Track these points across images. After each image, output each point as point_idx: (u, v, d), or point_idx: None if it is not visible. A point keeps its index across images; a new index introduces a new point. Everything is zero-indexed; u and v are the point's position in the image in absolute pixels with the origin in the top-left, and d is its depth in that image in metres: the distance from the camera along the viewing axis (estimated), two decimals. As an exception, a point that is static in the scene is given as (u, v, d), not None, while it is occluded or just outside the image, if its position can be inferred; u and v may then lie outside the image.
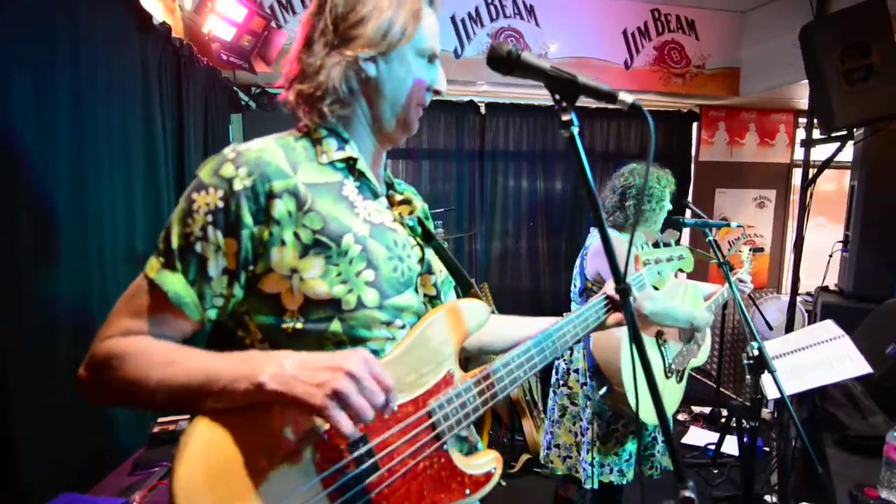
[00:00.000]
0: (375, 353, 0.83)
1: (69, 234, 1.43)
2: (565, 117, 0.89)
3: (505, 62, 0.90)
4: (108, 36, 1.61)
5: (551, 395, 2.31)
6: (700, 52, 3.93)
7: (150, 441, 1.61)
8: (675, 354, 2.17)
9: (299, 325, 0.80)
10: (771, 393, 1.91)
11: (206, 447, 0.68)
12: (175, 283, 0.75)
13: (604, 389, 1.98)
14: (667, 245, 1.37)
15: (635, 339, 0.90)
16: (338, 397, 0.67)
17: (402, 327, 0.88)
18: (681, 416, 3.94)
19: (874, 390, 1.98)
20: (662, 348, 2.14)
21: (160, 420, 1.66)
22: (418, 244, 0.97)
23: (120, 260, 1.68)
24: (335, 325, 0.81)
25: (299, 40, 0.89)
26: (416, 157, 3.94)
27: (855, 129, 2.95)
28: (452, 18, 3.51)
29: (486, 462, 0.92)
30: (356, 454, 0.77)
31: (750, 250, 2.61)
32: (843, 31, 2.74)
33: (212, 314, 0.79)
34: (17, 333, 1.26)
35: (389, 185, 1.01)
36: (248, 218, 0.76)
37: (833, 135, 2.94)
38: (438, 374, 0.87)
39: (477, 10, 3.53)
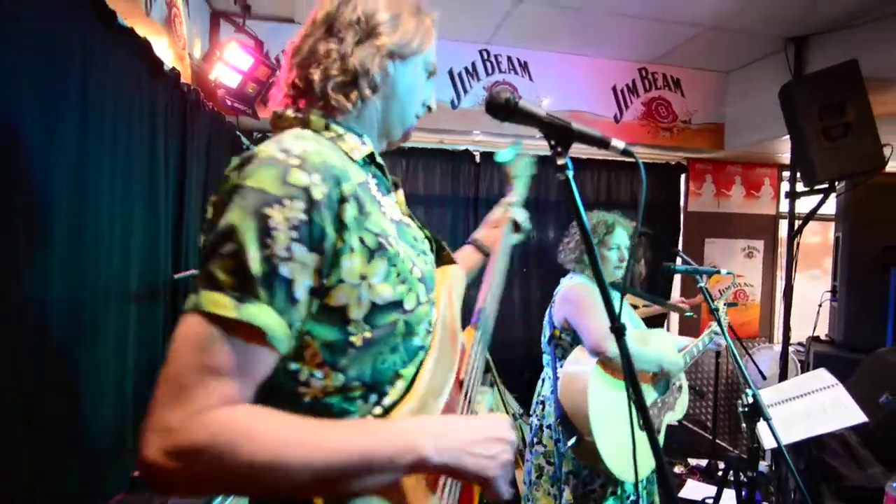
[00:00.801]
0: (421, 347, 0.81)
1: (63, 266, 1.43)
2: (560, 161, 0.94)
3: (503, 109, 0.95)
4: (119, 79, 1.67)
5: (527, 454, 2.22)
6: (686, 108, 4.11)
7: (130, 485, 1.55)
8: (650, 404, 2.14)
9: (368, 335, 0.73)
10: (767, 442, 1.89)
11: None
12: (266, 317, 0.63)
13: (573, 440, 1.91)
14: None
15: (631, 380, 0.91)
16: (505, 468, 0.74)
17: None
18: (677, 469, 3.84)
19: (868, 440, 1.97)
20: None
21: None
22: (426, 237, 0.97)
23: (113, 296, 1.67)
24: (400, 327, 0.77)
25: (321, 28, 0.85)
26: (412, 204, 3.93)
27: (836, 183, 3.06)
28: (450, 72, 3.67)
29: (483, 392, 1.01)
30: None
31: (725, 304, 2.56)
32: (820, 90, 2.90)
33: (295, 342, 0.69)
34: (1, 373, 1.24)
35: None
36: (330, 229, 0.69)
37: (815, 188, 3.05)
38: (458, 349, 0.94)
39: (473, 64, 3.70)
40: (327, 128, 0.83)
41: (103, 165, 1.59)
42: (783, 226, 4.41)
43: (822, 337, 3.48)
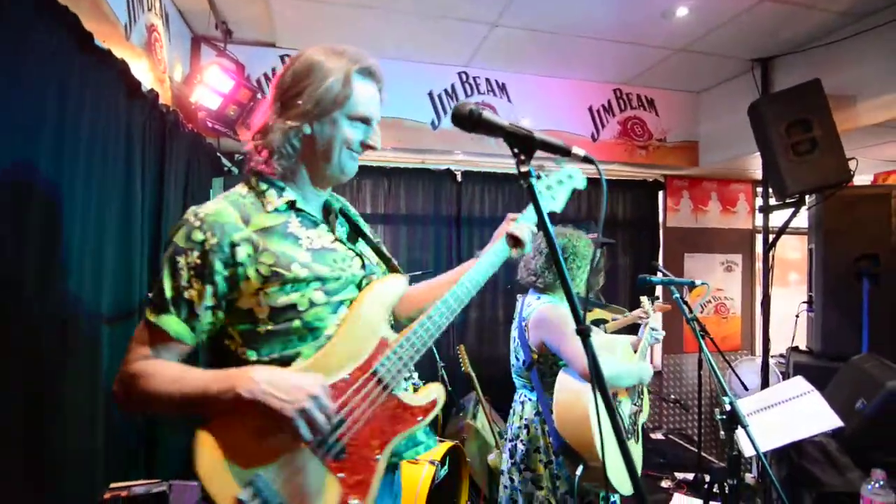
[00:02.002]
0: (329, 337, 1.07)
1: (34, 286, 1.41)
2: (523, 169, 0.97)
3: (467, 120, 0.98)
4: (96, 99, 1.68)
5: (508, 483, 2.09)
6: (661, 126, 4.22)
7: (100, 510, 1.50)
8: (629, 413, 2.15)
9: (270, 327, 1.05)
10: (747, 450, 1.89)
11: (212, 442, 0.97)
12: (173, 324, 1.02)
13: (580, 469, 1.84)
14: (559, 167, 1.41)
15: (598, 380, 0.92)
16: (303, 413, 0.95)
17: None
18: (664, 484, 3.82)
19: (847, 446, 1.99)
20: (618, 409, 2.08)
21: (112, 486, 1.56)
22: (357, 254, 1.18)
23: (84, 317, 1.65)
24: (296, 323, 1.05)
25: (267, 101, 1.14)
26: (395, 223, 4.03)
27: (807, 196, 3.15)
28: (430, 94, 3.74)
29: (429, 392, 1.14)
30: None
31: (650, 300, 2.66)
32: (786, 108, 3.01)
33: (204, 337, 1.07)
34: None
35: (326, 208, 1.22)
36: (219, 266, 1.02)
37: (787, 201, 3.13)
38: (375, 341, 1.10)
39: (453, 86, 3.78)
40: (257, 185, 1.12)
41: (76, 184, 1.58)
42: (760, 240, 4.51)
43: (802, 347, 3.53)
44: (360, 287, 1.15)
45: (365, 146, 1.16)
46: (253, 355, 1.05)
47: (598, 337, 2.20)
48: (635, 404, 2.19)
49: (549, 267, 2.13)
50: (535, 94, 3.95)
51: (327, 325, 1.07)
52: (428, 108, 3.73)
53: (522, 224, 1.32)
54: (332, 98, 1.08)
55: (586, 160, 0.96)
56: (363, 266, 1.17)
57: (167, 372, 1.00)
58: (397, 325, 1.20)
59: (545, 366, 2.07)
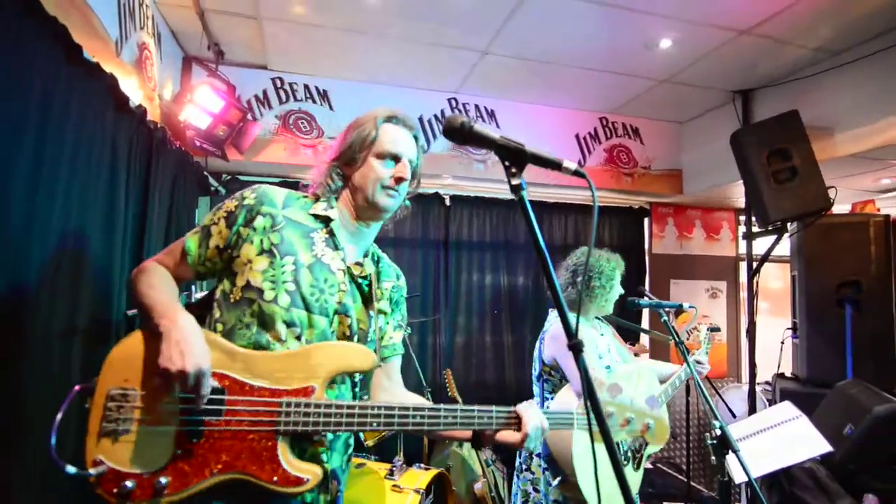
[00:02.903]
0: (269, 342, 1.15)
1: (4, 300, 1.36)
2: (515, 182, 0.97)
3: (459, 132, 0.98)
4: (82, 111, 1.66)
5: (515, 479, 2.23)
6: (646, 154, 4.30)
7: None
8: (632, 439, 2.13)
9: (238, 296, 1.17)
10: (738, 476, 1.87)
11: (131, 345, 1.08)
12: (191, 243, 1.22)
13: (557, 480, 1.90)
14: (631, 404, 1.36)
15: (591, 397, 0.90)
16: (162, 373, 1.01)
17: (298, 338, 1.17)
18: (654, 515, 3.74)
19: (838, 472, 1.97)
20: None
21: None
22: (345, 291, 1.25)
23: (57, 332, 1.59)
24: (254, 307, 1.16)
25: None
26: (383, 246, 3.89)
27: (788, 224, 3.21)
28: (420, 119, 3.78)
29: (306, 469, 1.07)
30: (214, 395, 1.06)
31: (708, 329, 2.66)
32: (766, 137, 3.09)
33: (201, 269, 1.23)
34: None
35: (369, 256, 1.36)
36: (241, 220, 1.20)
37: (769, 227, 3.19)
38: (303, 384, 1.10)
39: (442, 112, 3.83)
40: (318, 199, 1.30)
41: (56, 193, 1.55)
42: (743, 267, 4.56)
43: (787, 374, 3.54)
44: (330, 323, 1.21)
45: (396, 180, 1.27)
46: (216, 313, 1.19)
47: (624, 367, 2.21)
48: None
49: (573, 283, 2.21)
50: (523, 121, 4.01)
51: (274, 331, 1.15)
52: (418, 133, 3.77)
53: (536, 412, 1.23)
54: (362, 140, 1.27)
55: (577, 174, 0.97)
56: (340, 303, 1.23)
57: (154, 278, 1.17)
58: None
59: (555, 379, 2.16)
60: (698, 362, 2.39)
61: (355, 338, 1.26)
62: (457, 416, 1.18)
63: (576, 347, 0.89)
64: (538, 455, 2.11)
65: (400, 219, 1.41)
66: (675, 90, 3.70)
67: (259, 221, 1.19)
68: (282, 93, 3.51)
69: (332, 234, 1.26)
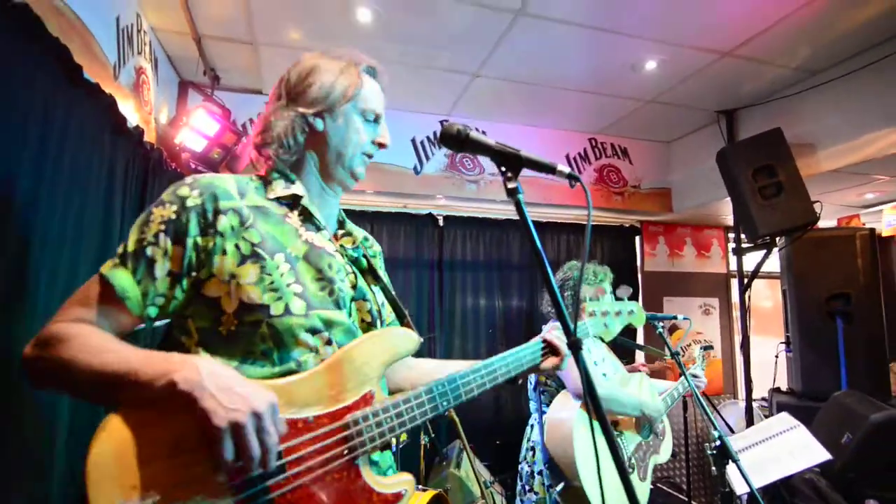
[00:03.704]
0: (299, 363, 0.91)
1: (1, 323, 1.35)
2: (511, 185, 0.99)
3: (455, 139, 1.00)
4: (81, 132, 1.68)
5: (517, 501, 2.17)
6: (635, 174, 4.39)
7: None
8: (634, 447, 2.11)
9: (233, 328, 0.90)
10: (739, 487, 1.85)
11: (120, 434, 0.74)
12: (123, 279, 0.87)
13: (560, 486, 1.88)
14: (619, 300, 1.42)
15: (590, 394, 0.91)
16: (235, 428, 0.74)
17: (329, 343, 0.95)
18: (656, 537, 3.67)
19: (838, 482, 1.96)
20: (619, 439, 2.07)
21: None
22: (353, 272, 1.06)
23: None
24: (264, 329, 0.90)
25: (271, 101, 1.08)
26: (377, 267, 4.00)
27: (777, 238, 3.26)
28: (413, 140, 3.84)
29: (397, 482, 0.94)
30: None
31: (701, 348, 2.68)
32: (752, 155, 3.17)
33: (152, 311, 0.89)
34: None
35: (341, 225, 1.15)
36: (194, 230, 0.90)
37: (758, 242, 3.24)
38: (359, 392, 0.93)
39: (435, 133, 3.90)
40: (269, 174, 1.04)
41: (54, 212, 1.55)
42: (735, 284, 4.61)
43: (783, 388, 3.54)
44: (350, 314, 1.01)
45: (378, 145, 1.10)
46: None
47: (623, 374, 2.23)
48: (646, 441, 2.17)
49: (567, 294, 2.24)
50: (514, 142, 3.93)
51: (299, 346, 0.92)
52: (411, 154, 3.83)
53: (560, 333, 1.21)
54: (343, 90, 1.04)
55: (571, 177, 0.99)
56: (354, 287, 1.04)
57: (93, 339, 0.81)
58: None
59: (552, 388, 2.18)
60: (695, 376, 2.40)
61: (378, 322, 1.08)
62: (509, 363, 1.13)
63: (575, 345, 0.90)
64: (540, 473, 2.07)
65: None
66: (661, 110, 3.80)
67: (223, 223, 0.90)
68: (276, 116, 3.56)
69: (306, 213, 1.03)
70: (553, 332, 1.23)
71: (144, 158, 2.25)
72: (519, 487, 2.18)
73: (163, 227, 0.89)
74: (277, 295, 0.91)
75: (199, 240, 0.89)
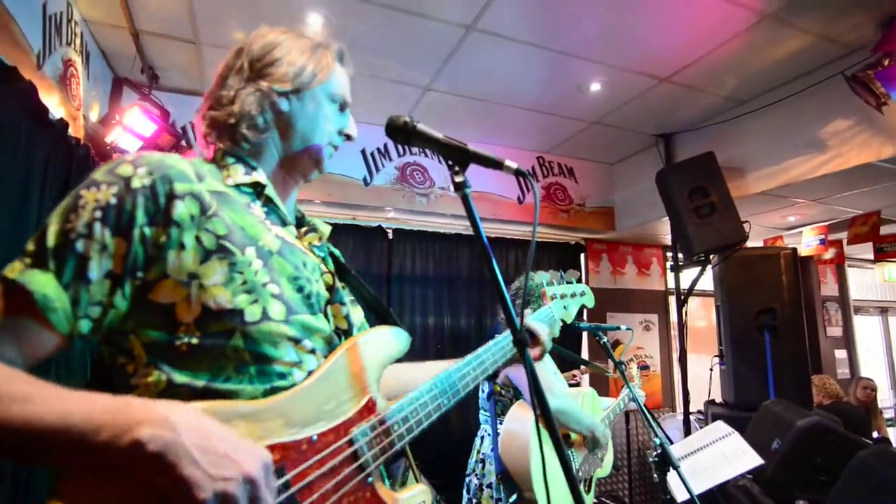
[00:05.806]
0: (282, 376, 0.76)
1: None
2: (458, 179, 0.97)
3: (402, 131, 0.97)
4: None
5: None
6: (580, 192, 4.53)
7: None
8: (581, 461, 2.12)
9: (195, 341, 0.71)
10: (679, 494, 1.89)
11: None
12: (44, 284, 0.64)
13: (513, 497, 1.85)
14: (569, 282, 1.44)
15: (537, 392, 0.89)
16: (224, 502, 0.58)
17: (312, 351, 0.82)
18: (600, 552, 3.69)
19: (769, 486, 2.04)
20: (570, 452, 2.08)
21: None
22: (330, 272, 0.95)
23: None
24: (237, 341, 0.73)
25: (215, 81, 0.94)
26: (323, 280, 3.88)
27: (711, 256, 3.44)
28: (363, 151, 3.80)
29: (414, 495, 0.86)
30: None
31: (638, 367, 2.79)
32: (687, 176, 3.35)
33: (84, 326, 0.67)
34: None
35: (300, 219, 1.01)
36: (142, 218, 0.70)
37: (694, 259, 3.40)
38: (360, 402, 0.82)
39: (385, 145, 3.87)
40: (221, 158, 0.89)
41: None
42: (673, 301, 4.81)
43: (717, 400, 3.69)
44: (327, 318, 0.88)
45: (346, 136, 1.02)
46: (160, 383, 0.70)
47: (570, 390, 2.24)
48: (591, 454, 2.17)
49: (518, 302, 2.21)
50: None
51: (280, 358, 0.77)
52: (360, 165, 3.78)
53: (538, 323, 1.21)
54: (314, 71, 0.93)
55: (518, 173, 0.98)
56: (330, 289, 0.92)
57: (7, 383, 0.58)
58: None
59: (506, 398, 2.14)
60: (630, 399, 2.43)
61: (353, 329, 0.94)
62: (495, 353, 1.12)
63: (521, 342, 0.88)
64: (489, 486, 2.03)
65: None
66: (604, 132, 3.96)
67: (180, 210, 0.72)
68: (220, 121, 3.42)
69: (270, 204, 0.88)
70: (534, 323, 1.22)
71: (68, 155, 2.08)
72: (465, 501, 2.12)
73: (98, 214, 0.68)
74: (252, 297, 0.75)
75: (147, 231, 0.70)
